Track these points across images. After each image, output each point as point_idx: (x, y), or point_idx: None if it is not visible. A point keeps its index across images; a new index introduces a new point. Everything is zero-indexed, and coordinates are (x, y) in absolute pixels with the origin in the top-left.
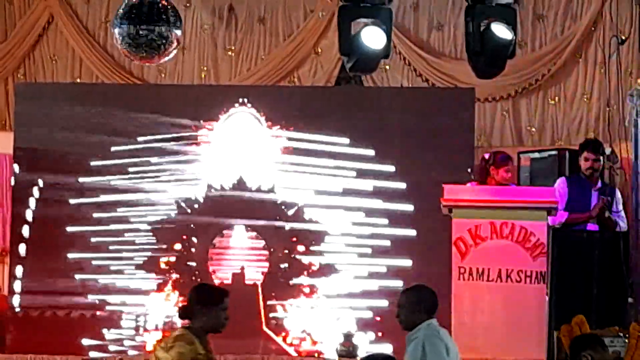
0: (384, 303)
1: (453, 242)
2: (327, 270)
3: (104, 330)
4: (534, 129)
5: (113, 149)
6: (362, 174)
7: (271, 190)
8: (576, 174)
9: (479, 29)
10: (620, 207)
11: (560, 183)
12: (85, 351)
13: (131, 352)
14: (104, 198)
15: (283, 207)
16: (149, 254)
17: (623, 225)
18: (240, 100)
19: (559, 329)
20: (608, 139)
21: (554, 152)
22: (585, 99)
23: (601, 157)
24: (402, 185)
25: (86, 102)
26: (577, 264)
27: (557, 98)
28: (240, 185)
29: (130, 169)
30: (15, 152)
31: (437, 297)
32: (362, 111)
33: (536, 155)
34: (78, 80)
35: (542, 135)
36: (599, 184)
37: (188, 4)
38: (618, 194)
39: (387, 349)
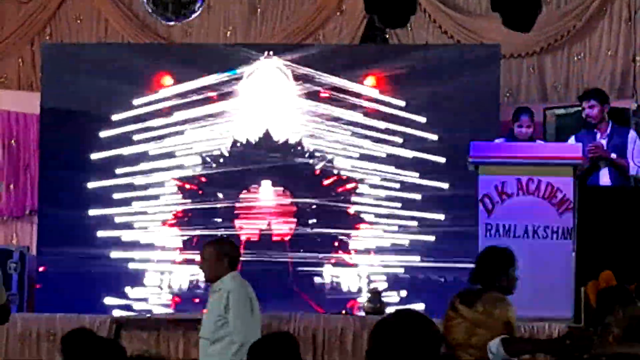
0: (415, 259)
1: (479, 199)
2: (356, 224)
3: (127, 289)
4: (559, 86)
5: (136, 102)
6: (392, 122)
7: (299, 144)
8: (584, 128)
9: None
10: (633, 148)
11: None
12: (108, 310)
13: (157, 310)
14: (126, 152)
15: (311, 160)
16: (174, 209)
17: (633, 166)
18: (266, 53)
19: (585, 286)
20: (634, 94)
21: (579, 108)
22: (610, 55)
23: (598, 103)
24: (434, 137)
25: (111, 62)
26: (604, 219)
27: (582, 54)
28: (266, 138)
29: (154, 124)
30: (42, 113)
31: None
32: (388, 69)
33: (562, 111)
34: (103, 41)
35: (568, 92)
36: (608, 130)
37: None
38: (631, 135)
39: (418, 307)
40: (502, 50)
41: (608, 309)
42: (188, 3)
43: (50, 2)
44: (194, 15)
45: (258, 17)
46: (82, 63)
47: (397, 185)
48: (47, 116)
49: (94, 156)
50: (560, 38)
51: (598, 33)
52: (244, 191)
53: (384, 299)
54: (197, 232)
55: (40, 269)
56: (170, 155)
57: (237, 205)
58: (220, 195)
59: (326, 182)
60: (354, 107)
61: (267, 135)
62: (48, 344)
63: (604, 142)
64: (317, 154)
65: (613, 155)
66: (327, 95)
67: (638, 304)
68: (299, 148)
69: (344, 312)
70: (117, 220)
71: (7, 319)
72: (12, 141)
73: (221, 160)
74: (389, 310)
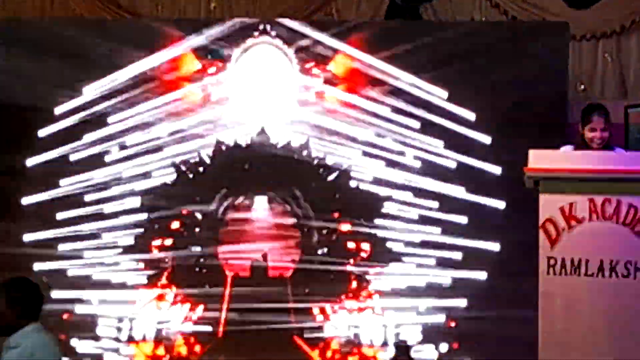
0: (461, 303)
1: (540, 225)
2: (381, 257)
3: (74, 341)
4: None
5: (87, 90)
6: (429, 125)
7: (304, 147)
8: None
9: None
10: None
11: None
12: None
13: None
14: (73, 157)
15: (320, 170)
16: (137, 235)
17: None
18: (262, 27)
19: None
20: None
21: None
22: None
23: None
24: (485, 139)
25: (57, 41)
26: None
27: None
28: (261, 140)
29: (110, 120)
30: None
31: None
32: (421, 52)
33: None
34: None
35: None
36: None
37: None
38: None
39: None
40: (571, 30)
41: None
42: None
43: None
44: None
45: None
46: (20, 42)
47: (436, 204)
48: None
49: (30, 162)
50: None
51: None
52: (231, 210)
53: (418, 355)
54: (168, 265)
55: None
56: (132, 160)
57: (221, 230)
58: (198, 216)
59: (341, 198)
60: (380, 98)
61: (262, 135)
62: None
63: None
64: (328, 161)
65: None
66: (338, 84)
67: None
68: (305, 153)
69: None
70: (61, 248)
71: None
72: None
73: (200, 169)
74: None
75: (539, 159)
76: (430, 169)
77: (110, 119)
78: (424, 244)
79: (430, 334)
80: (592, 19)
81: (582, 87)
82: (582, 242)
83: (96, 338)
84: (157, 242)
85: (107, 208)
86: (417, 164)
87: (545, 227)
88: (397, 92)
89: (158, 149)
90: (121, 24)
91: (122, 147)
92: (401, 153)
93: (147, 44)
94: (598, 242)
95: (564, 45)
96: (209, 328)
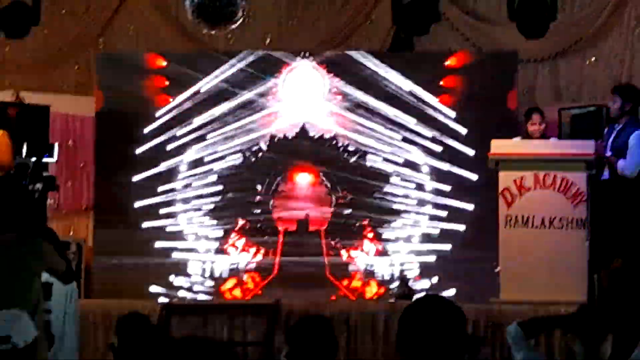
0: (446, 247)
1: (500, 192)
2: (389, 214)
3: (172, 277)
4: (572, 88)
5: (179, 99)
6: (423, 120)
7: (333, 138)
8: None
9: None
10: (632, 148)
11: None
12: (154, 297)
13: (200, 298)
14: (169, 147)
15: (345, 154)
16: (215, 201)
17: (620, 167)
18: (302, 54)
19: (598, 272)
20: None
21: (592, 108)
22: (620, 60)
23: (619, 98)
24: (463, 130)
25: (159, 67)
26: (615, 211)
27: (594, 58)
28: (302, 134)
29: (196, 120)
30: (96, 116)
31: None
32: (415, 72)
33: (576, 111)
34: (152, 49)
35: (581, 93)
36: (618, 126)
37: None
38: (633, 135)
39: (449, 292)
40: (519, 56)
41: (618, 289)
42: (229, 14)
43: (103, 13)
44: (234, 25)
45: (294, 25)
46: (133, 69)
47: (428, 177)
48: (102, 118)
49: (139, 150)
50: (574, 44)
51: (609, 39)
52: (282, 183)
53: (416, 286)
54: (238, 223)
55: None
56: (210, 148)
57: (275, 197)
58: (259, 187)
59: (360, 174)
60: (388, 102)
61: (303, 130)
62: (104, 326)
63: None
64: (350, 148)
65: (608, 154)
66: (358, 93)
67: None
68: (334, 142)
69: (375, 297)
70: (161, 211)
71: (71, 280)
72: (70, 142)
73: (260, 154)
74: (418, 295)
75: (498, 147)
76: (425, 151)
77: (195, 119)
78: (420, 204)
79: (425, 270)
80: (534, 48)
81: (526, 95)
82: (529, 205)
83: (188, 275)
84: (229, 207)
85: (194, 182)
86: (415, 149)
87: (503, 194)
88: (395, 98)
89: (229, 138)
90: (202, 54)
91: (202, 138)
92: (403, 141)
93: (215, 68)
94: (540, 204)
95: (514, 66)
96: (268, 267)
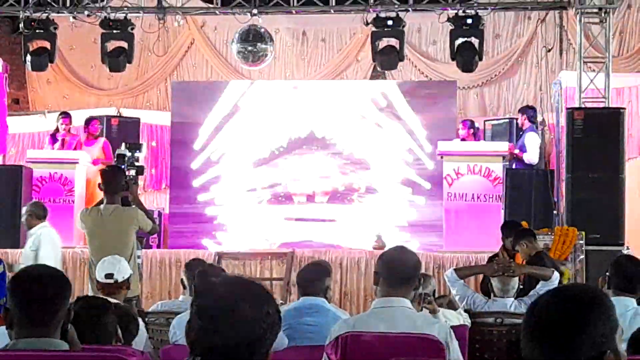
0: (412, 214)
1: (444, 177)
2: (371, 191)
3: (219, 234)
4: (493, 106)
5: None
6: (393, 127)
7: (332, 137)
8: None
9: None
10: (528, 145)
11: None
12: (208, 247)
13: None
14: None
15: (341, 149)
16: (251, 183)
17: (527, 159)
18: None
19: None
20: (540, 112)
21: (506, 120)
22: (525, 87)
23: (521, 115)
24: (424, 133)
25: (215, 92)
26: (521, 190)
27: (508, 86)
28: (311, 135)
29: (233, 127)
30: (172, 125)
31: None
32: (388, 94)
33: (495, 122)
34: (209, 79)
35: (499, 110)
36: (522, 133)
37: (277, 30)
38: (526, 137)
39: (413, 244)
40: (458, 84)
41: (519, 243)
42: (262, 56)
43: (177, 54)
44: (265, 63)
45: (305, 64)
46: (197, 93)
47: (403, 162)
48: (175, 127)
49: (197, 146)
50: (494, 76)
51: (518, 73)
52: (296, 169)
53: (387, 240)
54: (267, 197)
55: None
56: (249, 142)
57: (291, 179)
58: (280, 172)
59: (353, 161)
60: (373, 119)
61: (311, 133)
62: (176, 268)
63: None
64: (345, 144)
65: (516, 151)
66: (352, 107)
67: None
68: (333, 140)
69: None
70: (212, 188)
71: (154, 233)
72: (153, 142)
73: (281, 149)
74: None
75: (443, 146)
76: (396, 147)
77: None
78: (394, 184)
79: (399, 230)
80: (467, 79)
81: (461, 111)
82: (464, 186)
83: (229, 232)
84: (261, 186)
85: (237, 168)
86: (388, 145)
87: (446, 178)
88: (386, 110)
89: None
90: (242, 84)
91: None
92: (379, 138)
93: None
94: (472, 185)
95: (454, 91)
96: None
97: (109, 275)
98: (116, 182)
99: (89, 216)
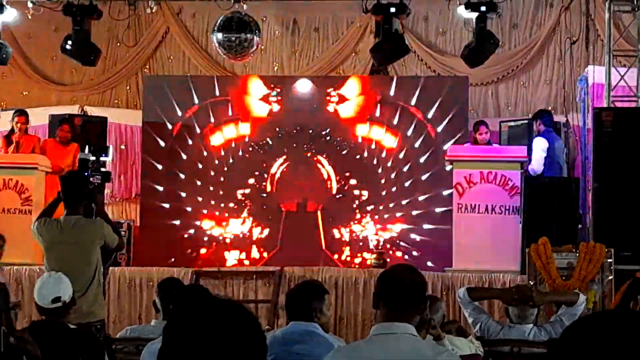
0: (418, 227)
1: (453, 185)
2: (373, 199)
3: (197, 249)
4: (510, 105)
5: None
6: (393, 126)
7: (328, 134)
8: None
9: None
10: (533, 152)
11: None
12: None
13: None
14: (193, 142)
15: (337, 147)
16: (229, 186)
17: (530, 169)
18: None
19: (529, 247)
20: (564, 112)
21: (525, 121)
22: (546, 83)
23: (538, 120)
24: (431, 137)
25: (192, 88)
26: (541, 200)
27: (526, 83)
28: (303, 131)
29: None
30: (143, 125)
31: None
32: (390, 92)
33: (512, 123)
34: (187, 73)
35: (516, 110)
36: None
37: (264, 18)
38: (535, 143)
39: (418, 262)
40: (470, 80)
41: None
42: (247, 47)
43: (149, 45)
44: (251, 55)
45: (296, 56)
46: (172, 89)
47: (407, 167)
48: (147, 127)
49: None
50: (511, 71)
51: (538, 68)
52: (284, 173)
53: (387, 258)
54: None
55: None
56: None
57: (278, 183)
58: (265, 175)
59: (350, 164)
60: (372, 119)
61: (304, 127)
62: (148, 288)
63: None
64: (343, 143)
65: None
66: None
67: None
68: (328, 138)
69: (357, 266)
70: (184, 195)
71: (121, 249)
72: (122, 145)
73: (267, 147)
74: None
75: (453, 150)
76: (399, 152)
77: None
78: (397, 193)
79: (397, 244)
80: (481, 75)
81: (474, 111)
82: (476, 195)
83: (208, 247)
84: (241, 191)
85: (211, 172)
86: (392, 147)
87: (456, 187)
88: (383, 104)
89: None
90: (226, 79)
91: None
92: (383, 140)
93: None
94: (485, 195)
95: (465, 88)
96: (272, 242)
97: (56, 300)
98: (78, 190)
99: (45, 228)
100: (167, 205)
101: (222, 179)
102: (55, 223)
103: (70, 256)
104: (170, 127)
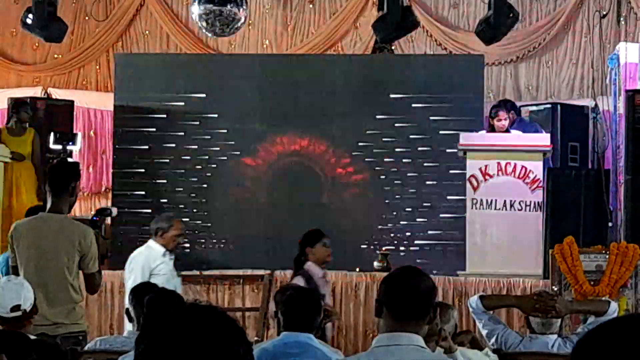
0: (426, 226)
1: (467, 178)
2: (373, 181)
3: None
4: (531, 87)
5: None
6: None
7: (322, 123)
8: None
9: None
10: None
11: None
12: None
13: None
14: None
15: (338, 140)
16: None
17: None
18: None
19: (552, 248)
20: (592, 95)
21: (548, 106)
22: (572, 63)
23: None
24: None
25: (170, 68)
26: (567, 195)
27: (550, 62)
28: (297, 120)
29: (202, 115)
30: (115, 109)
31: None
32: (396, 72)
33: (534, 108)
34: (164, 51)
35: (538, 92)
36: None
37: None
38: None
39: (427, 265)
40: (486, 59)
41: None
42: (232, 21)
43: (122, 19)
44: (236, 31)
45: (289, 32)
46: (147, 69)
47: (410, 163)
48: (119, 112)
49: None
50: (532, 49)
51: (563, 45)
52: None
53: (392, 259)
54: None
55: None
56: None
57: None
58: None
59: (351, 150)
60: (371, 104)
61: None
62: (120, 295)
63: None
64: (337, 136)
65: None
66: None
67: None
68: (324, 127)
69: (358, 269)
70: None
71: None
72: (92, 132)
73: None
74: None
75: (466, 138)
76: (411, 140)
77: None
78: (402, 191)
79: (403, 248)
80: (498, 53)
81: (491, 94)
82: (492, 189)
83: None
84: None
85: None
86: (397, 140)
87: (470, 180)
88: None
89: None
90: (210, 57)
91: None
92: (386, 130)
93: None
94: (502, 189)
95: (480, 68)
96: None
97: (15, 308)
98: (66, 183)
99: (23, 228)
100: (142, 200)
101: (203, 171)
102: (35, 222)
103: (51, 259)
104: (145, 111)
